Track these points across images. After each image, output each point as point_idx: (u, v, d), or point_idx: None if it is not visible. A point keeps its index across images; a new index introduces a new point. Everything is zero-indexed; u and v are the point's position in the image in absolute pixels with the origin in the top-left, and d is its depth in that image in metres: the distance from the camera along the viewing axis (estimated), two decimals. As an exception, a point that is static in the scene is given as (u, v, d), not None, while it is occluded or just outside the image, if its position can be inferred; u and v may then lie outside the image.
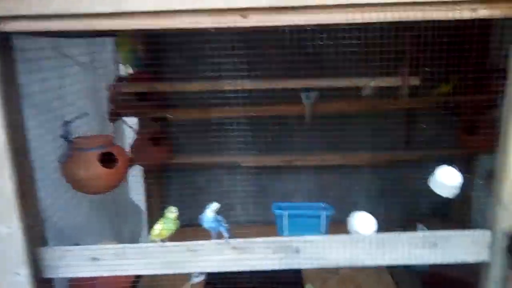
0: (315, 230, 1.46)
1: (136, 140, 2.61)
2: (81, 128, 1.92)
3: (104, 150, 1.78)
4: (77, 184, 1.78)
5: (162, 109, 2.66)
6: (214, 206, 1.48)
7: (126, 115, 2.50)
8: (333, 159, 2.64)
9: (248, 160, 2.34)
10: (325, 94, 2.42)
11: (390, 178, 2.39)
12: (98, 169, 1.74)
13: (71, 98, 1.82)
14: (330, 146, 2.51)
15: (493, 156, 1.30)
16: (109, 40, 2.36)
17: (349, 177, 2.78)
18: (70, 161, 1.73)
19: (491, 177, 1.49)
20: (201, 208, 1.55)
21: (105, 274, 1.37)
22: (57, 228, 1.78)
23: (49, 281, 1.39)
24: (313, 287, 2.35)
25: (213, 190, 2.89)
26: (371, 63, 1.80)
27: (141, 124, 2.79)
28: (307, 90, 2.46)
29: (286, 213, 1.47)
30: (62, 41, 1.79)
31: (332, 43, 1.60)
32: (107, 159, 1.81)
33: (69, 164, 1.73)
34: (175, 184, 3.03)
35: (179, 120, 2.70)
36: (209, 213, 1.46)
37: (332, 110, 2.48)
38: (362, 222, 1.44)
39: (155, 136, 2.60)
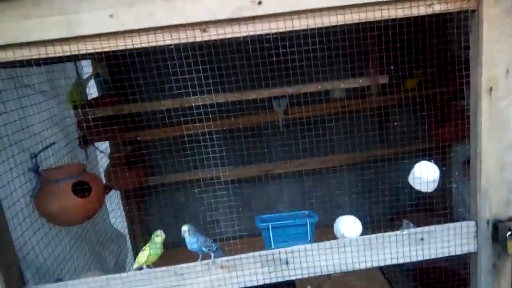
0: (302, 238, 1.44)
1: (110, 165, 2.54)
2: (51, 159, 1.85)
3: (76, 180, 1.72)
4: (52, 218, 1.70)
5: (133, 131, 2.60)
6: (184, 228, 1.42)
7: (97, 140, 2.43)
8: (311, 163, 2.64)
9: (227, 173, 2.31)
10: (295, 100, 2.43)
11: (369, 176, 2.40)
12: (73, 200, 1.67)
13: (37, 129, 1.75)
14: (307, 151, 2.51)
15: (466, 145, 1.32)
16: (69, 66, 2.31)
17: (330, 179, 2.79)
18: (42, 195, 1.66)
19: (467, 166, 1.51)
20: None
21: (90, 309, 1.31)
22: (37, 265, 1.70)
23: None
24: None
25: (194, 208, 2.84)
26: (338, 66, 1.83)
27: (114, 148, 2.72)
28: (278, 97, 2.46)
29: (270, 225, 1.45)
30: (20, 71, 1.72)
31: (295, 49, 1.61)
32: (81, 188, 1.74)
33: (41, 197, 1.66)
34: (156, 206, 2.96)
35: (152, 140, 2.65)
36: (188, 237, 1.41)
37: (304, 115, 2.48)
38: (348, 225, 1.43)
39: (129, 159, 2.54)
